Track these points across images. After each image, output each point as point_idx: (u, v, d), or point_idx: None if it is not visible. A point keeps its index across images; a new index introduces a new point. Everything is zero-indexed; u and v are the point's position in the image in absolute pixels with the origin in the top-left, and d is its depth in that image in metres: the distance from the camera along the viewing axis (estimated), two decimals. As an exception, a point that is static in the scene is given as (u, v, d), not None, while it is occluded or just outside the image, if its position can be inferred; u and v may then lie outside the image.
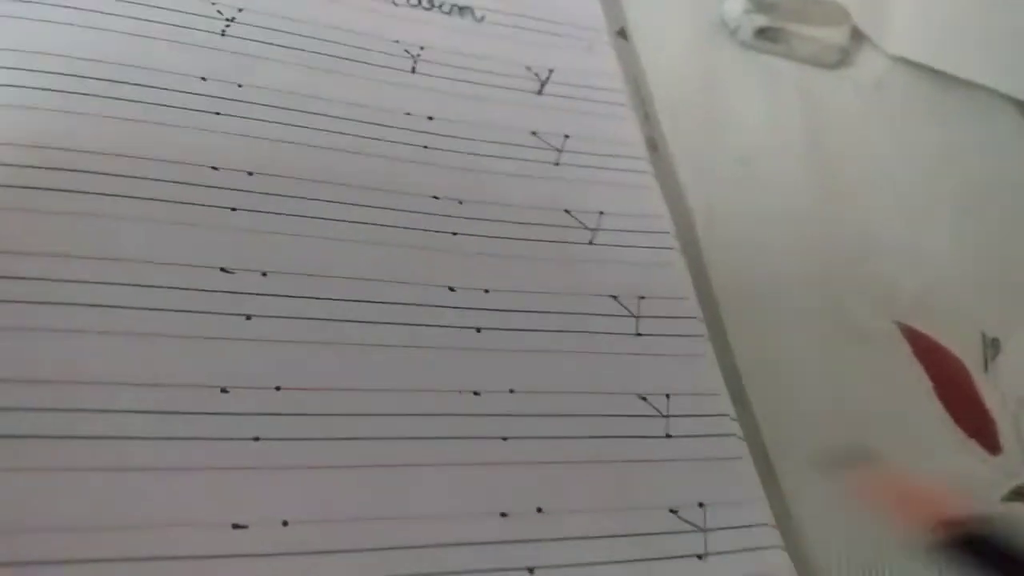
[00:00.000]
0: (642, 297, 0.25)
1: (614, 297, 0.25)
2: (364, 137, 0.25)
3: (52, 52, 0.23)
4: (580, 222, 0.27)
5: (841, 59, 0.35)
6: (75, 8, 0.24)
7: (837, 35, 0.35)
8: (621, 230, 0.27)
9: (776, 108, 0.33)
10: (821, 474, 0.23)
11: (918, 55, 0.36)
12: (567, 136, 0.28)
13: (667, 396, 0.24)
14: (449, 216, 0.25)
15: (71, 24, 0.24)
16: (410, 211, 0.25)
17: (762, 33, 0.34)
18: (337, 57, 0.27)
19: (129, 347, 0.20)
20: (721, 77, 0.33)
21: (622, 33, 0.33)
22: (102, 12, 0.25)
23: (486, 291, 0.24)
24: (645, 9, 0.34)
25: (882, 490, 0.20)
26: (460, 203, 0.25)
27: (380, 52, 0.28)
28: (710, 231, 0.29)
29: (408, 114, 0.26)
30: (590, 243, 0.26)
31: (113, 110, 0.23)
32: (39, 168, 0.21)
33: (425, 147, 0.26)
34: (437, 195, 0.25)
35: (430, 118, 0.27)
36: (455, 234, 0.25)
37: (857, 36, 0.36)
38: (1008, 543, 0.15)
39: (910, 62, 0.36)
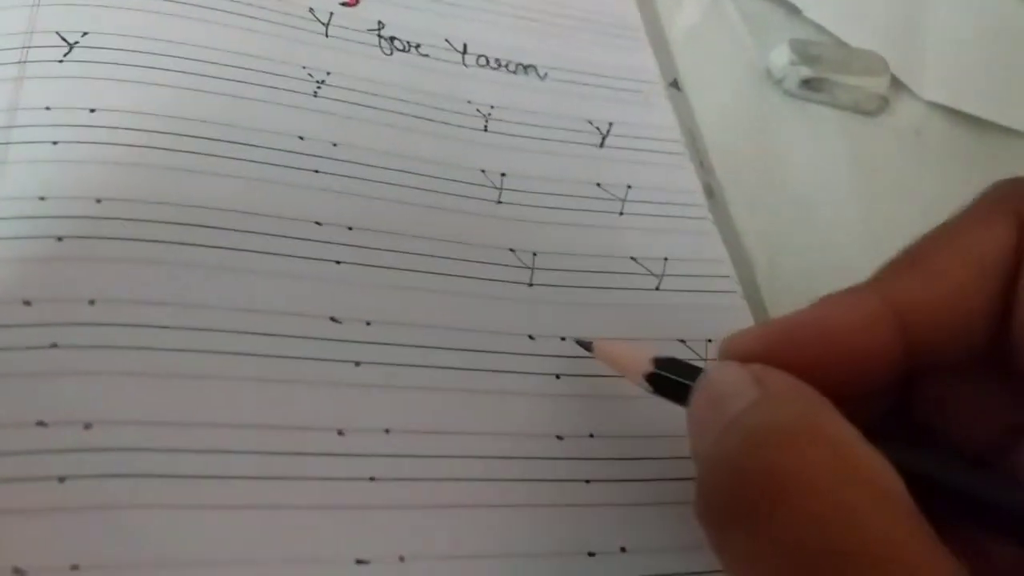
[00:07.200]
0: (709, 340, 0.27)
1: (682, 341, 0.27)
2: (445, 193, 0.27)
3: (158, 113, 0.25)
4: (647, 269, 0.28)
5: (881, 106, 0.37)
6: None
7: (877, 84, 0.36)
8: (686, 275, 0.28)
9: (822, 154, 0.35)
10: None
11: (954, 101, 0.37)
12: (630, 187, 0.30)
13: None
14: (524, 267, 0.26)
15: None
16: (487, 263, 0.26)
17: (806, 83, 0.36)
18: (416, 117, 0.28)
19: (244, 391, 0.21)
20: (769, 125, 0.35)
21: (675, 84, 0.34)
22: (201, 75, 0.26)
23: (562, 339, 0.25)
24: (696, 61, 0.35)
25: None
26: (534, 255, 0.27)
27: (455, 112, 0.29)
28: (769, 272, 0.30)
29: (483, 171, 0.28)
30: (656, 289, 0.28)
31: (219, 167, 0.25)
32: (151, 222, 0.23)
33: (499, 202, 0.28)
34: (513, 248, 0.27)
35: (503, 174, 0.28)
36: (531, 285, 0.26)
37: (896, 85, 0.37)
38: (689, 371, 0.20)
39: (947, 108, 0.37)
